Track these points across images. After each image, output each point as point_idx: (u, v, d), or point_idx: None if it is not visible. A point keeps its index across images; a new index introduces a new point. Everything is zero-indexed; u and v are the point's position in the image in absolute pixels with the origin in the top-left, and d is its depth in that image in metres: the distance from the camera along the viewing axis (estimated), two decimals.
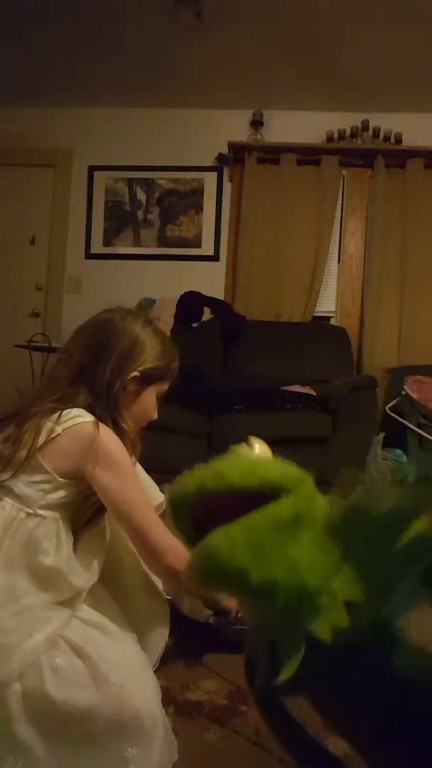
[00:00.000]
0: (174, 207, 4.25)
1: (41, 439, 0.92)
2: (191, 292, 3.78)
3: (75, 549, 0.93)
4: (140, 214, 4.28)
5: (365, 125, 3.99)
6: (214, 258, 4.18)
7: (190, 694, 1.00)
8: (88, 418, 0.95)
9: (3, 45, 3.51)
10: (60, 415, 0.94)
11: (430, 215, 3.95)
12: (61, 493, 0.91)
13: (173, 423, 2.65)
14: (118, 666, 0.82)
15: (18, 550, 0.86)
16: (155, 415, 1.10)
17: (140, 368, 1.04)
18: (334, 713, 0.49)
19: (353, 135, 4.03)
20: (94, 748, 0.76)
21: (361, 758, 0.50)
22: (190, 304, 3.70)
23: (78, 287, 4.26)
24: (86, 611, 0.90)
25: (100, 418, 0.97)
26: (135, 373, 1.03)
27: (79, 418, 0.95)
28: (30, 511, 0.89)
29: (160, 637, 1.02)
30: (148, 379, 1.06)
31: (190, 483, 0.47)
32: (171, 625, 1.05)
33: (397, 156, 3.97)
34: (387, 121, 3.97)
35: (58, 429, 0.93)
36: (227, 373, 3.52)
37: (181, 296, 3.74)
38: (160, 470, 1.20)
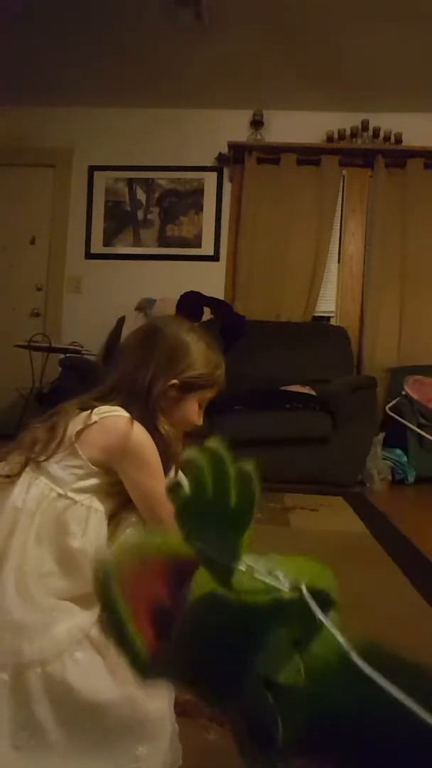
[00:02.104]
0: (174, 207, 4.25)
1: (77, 427, 0.95)
2: (191, 292, 3.78)
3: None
4: (140, 214, 4.28)
5: (365, 125, 4.00)
6: (214, 258, 4.18)
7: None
8: (123, 413, 0.98)
9: (3, 45, 3.51)
10: (96, 408, 0.98)
11: (430, 215, 3.95)
12: (93, 480, 0.95)
13: None
14: None
15: (48, 528, 0.89)
16: (198, 422, 1.10)
17: (181, 376, 1.04)
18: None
19: (353, 135, 4.03)
20: (105, 742, 0.78)
21: None
22: (190, 304, 3.70)
23: (78, 287, 4.26)
24: None
25: (134, 418, 0.99)
26: (174, 381, 1.03)
27: (114, 411, 0.98)
28: (61, 491, 0.92)
29: None
30: (188, 387, 1.06)
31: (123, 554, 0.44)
32: None
33: (397, 156, 3.98)
34: (387, 121, 3.97)
35: (95, 418, 0.96)
36: (227, 373, 3.53)
37: (181, 296, 3.74)
38: None
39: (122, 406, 0.99)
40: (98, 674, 0.80)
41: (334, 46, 3.37)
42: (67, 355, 3.40)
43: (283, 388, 3.26)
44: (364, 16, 3.09)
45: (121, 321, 3.87)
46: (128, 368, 1.04)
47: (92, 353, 3.71)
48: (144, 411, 1.00)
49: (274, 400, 3.15)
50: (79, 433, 0.94)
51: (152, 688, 0.82)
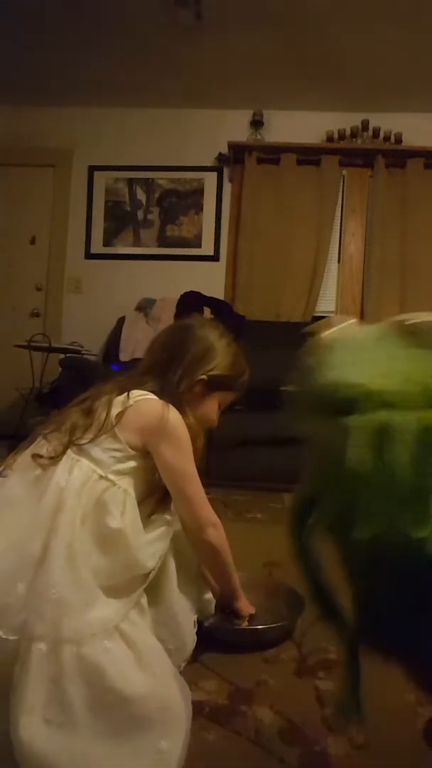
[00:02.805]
0: (174, 207, 4.25)
1: (116, 410, 1.00)
2: (191, 292, 3.77)
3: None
4: (140, 214, 4.28)
5: (365, 125, 4.00)
6: (214, 258, 4.18)
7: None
8: (156, 398, 1.04)
9: (4, 45, 3.51)
10: (130, 393, 1.03)
11: (430, 215, 3.95)
12: (131, 463, 0.99)
13: None
14: (162, 660, 0.88)
15: (90, 508, 0.93)
16: (215, 422, 1.17)
17: (209, 373, 1.12)
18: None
19: (353, 135, 4.03)
20: (130, 732, 0.79)
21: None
22: (190, 304, 3.69)
23: (78, 287, 4.26)
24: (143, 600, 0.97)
25: None
26: (202, 376, 1.11)
27: (148, 395, 1.04)
28: (102, 473, 0.96)
29: (190, 640, 1.09)
30: (213, 384, 1.14)
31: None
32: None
33: (397, 156, 3.97)
34: (387, 121, 3.97)
35: (130, 402, 1.01)
36: None
37: (181, 296, 3.74)
38: None
39: (153, 393, 1.05)
40: (129, 666, 0.83)
41: (334, 47, 3.37)
42: (67, 355, 3.40)
43: (283, 388, 3.26)
44: (365, 17, 3.09)
45: (121, 321, 3.87)
46: (160, 360, 1.11)
47: (92, 353, 3.71)
48: (171, 402, 1.05)
49: (274, 400, 3.16)
50: (119, 416, 0.99)
51: (177, 682, 0.87)
